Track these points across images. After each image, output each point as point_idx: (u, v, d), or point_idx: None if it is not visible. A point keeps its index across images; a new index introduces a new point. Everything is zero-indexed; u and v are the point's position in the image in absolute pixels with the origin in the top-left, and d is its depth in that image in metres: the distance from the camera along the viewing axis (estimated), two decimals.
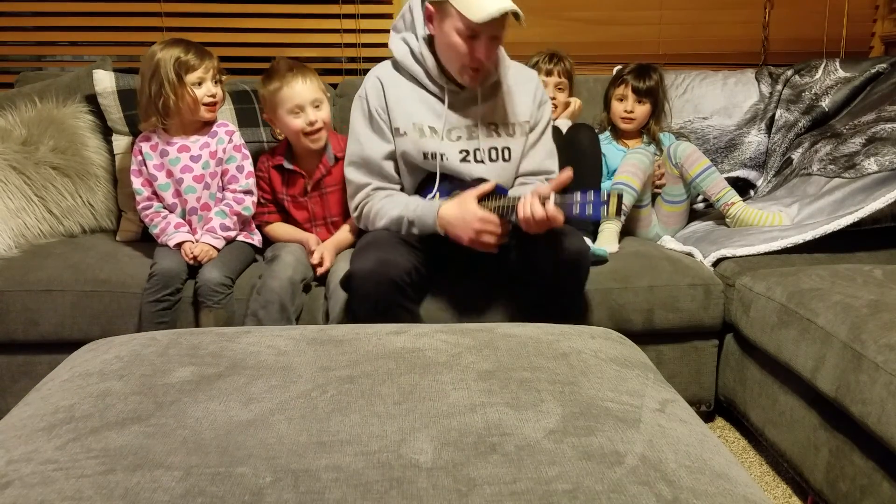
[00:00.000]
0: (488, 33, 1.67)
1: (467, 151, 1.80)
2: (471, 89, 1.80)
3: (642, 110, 2.35)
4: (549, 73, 2.34)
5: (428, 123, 1.79)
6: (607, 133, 2.43)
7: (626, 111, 2.35)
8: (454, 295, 1.82)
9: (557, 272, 1.65)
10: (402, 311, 1.61)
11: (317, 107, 1.93)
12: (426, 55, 1.77)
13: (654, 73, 2.36)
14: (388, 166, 1.81)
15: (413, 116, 1.79)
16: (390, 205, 1.76)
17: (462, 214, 1.63)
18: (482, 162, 1.81)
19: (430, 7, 1.72)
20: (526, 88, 1.87)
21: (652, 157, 2.20)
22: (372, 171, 1.81)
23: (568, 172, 1.59)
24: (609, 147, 2.37)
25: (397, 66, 1.84)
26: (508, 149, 1.83)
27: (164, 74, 1.86)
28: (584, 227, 2.05)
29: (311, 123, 1.92)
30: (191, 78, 1.89)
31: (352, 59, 2.79)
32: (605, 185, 2.24)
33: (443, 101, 1.79)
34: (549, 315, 1.66)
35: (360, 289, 1.57)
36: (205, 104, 1.92)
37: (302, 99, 1.90)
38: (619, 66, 2.46)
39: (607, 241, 2.07)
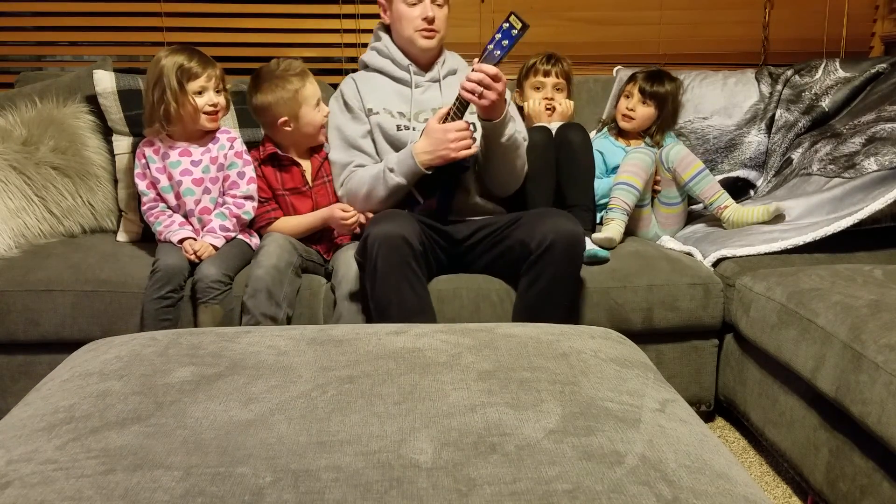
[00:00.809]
0: None
1: None
2: (433, 74, 2.01)
3: (644, 112, 2.34)
4: (546, 74, 2.33)
5: (397, 109, 1.98)
6: (605, 130, 2.42)
7: (627, 108, 2.34)
8: (453, 289, 1.82)
9: (553, 251, 1.67)
10: (411, 272, 1.64)
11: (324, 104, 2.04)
12: (391, 47, 2.02)
13: (670, 82, 2.35)
14: (367, 144, 1.97)
15: (384, 102, 1.99)
16: (367, 169, 1.92)
17: (432, 135, 1.79)
18: None
19: (381, 1, 1.99)
20: None
21: (654, 156, 2.19)
22: (353, 149, 1.97)
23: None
24: (605, 142, 2.36)
25: (367, 68, 2.08)
26: (473, 125, 1.92)
27: (167, 82, 1.86)
28: (585, 225, 2.05)
29: (326, 115, 2.01)
30: (192, 86, 1.89)
31: (352, 59, 2.79)
32: (606, 181, 2.24)
33: (410, 86, 1.99)
34: (550, 309, 1.68)
35: (374, 246, 1.63)
36: (205, 113, 1.92)
37: (319, 93, 2.00)
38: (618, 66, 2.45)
39: (610, 230, 2.03)
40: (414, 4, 1.92)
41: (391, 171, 1.83)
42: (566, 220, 1.71)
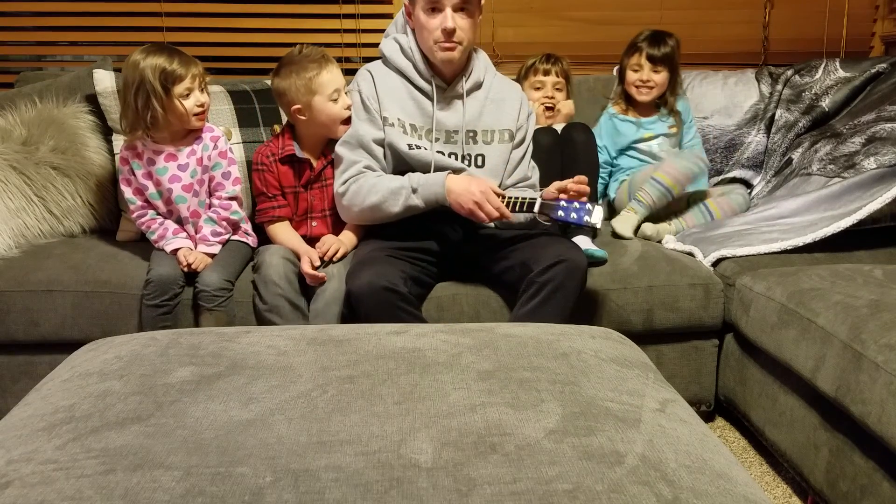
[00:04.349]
0: (448, 3, 1.77)
1: (442, 153, 1.88)
2: (456, 89, 1.88)
3: (660, 79, 2.31)
4: (546, 73, 2.32)
5: (410, 122, 1.87)
6: (611, 110, 2.38)
7: (641, 80, 2.30)
8: (453, 296, 1.82)
9: (555, 269, 1.66)
10: (404, 313, 1.63)
11: (346, 92, 1.93)
12: (414, 49, 1.87)
13: (670, 38, 2.30)
14: (379, 151, 1.87)
15: (399, 111, 1.87)
16: (387, 180, 1.82)
17: (472, 188, 1.71)
18: None
19: (405, 2, 1.86)
20: (512, 97, 1.97)
21: (705, 169, 2.20)
22: (364, 151, 1.86)
23: (581, 178, 1.70)
24: (610, 123, 2.35)
25: (387, 63, 1.92)
26: (483, 156, 1.90)
27: (151, 88, 1.79)
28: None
29: (348, 108, 1.90)
30: (178, 89, 1.82)
31: (352, 59, 2.79)
32: (640, 167, 2.27)
33: (431, 99, 1.87)
34: (545, 320, 1.67)
35: (359, 303, 1.62)
36: (194, 114, 1.87)
37: (339, 83, 1.89)
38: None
39: (622, 226, 2.08)
40: (433, 13, 1.78)
41: (414, 190, 1.76)
42: (571, 248, 1.72)
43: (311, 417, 0.92)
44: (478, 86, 1.92)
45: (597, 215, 1.61)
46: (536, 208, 1.68)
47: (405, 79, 1.89)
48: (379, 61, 1.95)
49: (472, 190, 1.70)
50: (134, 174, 1.92)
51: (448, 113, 1.89)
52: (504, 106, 1.94)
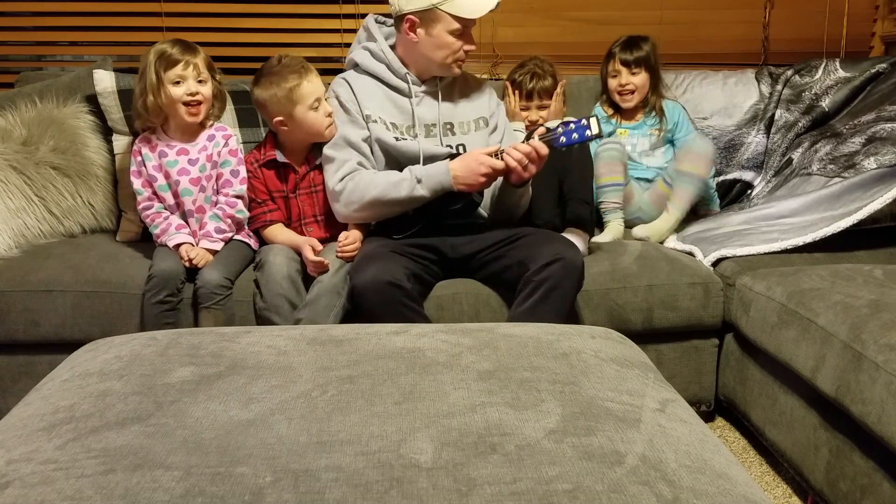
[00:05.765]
0: (471, 25, 1.89)
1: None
2: (431, 86, 1.97)
3: (640, 80, 2.35)
4: (529, 98, 2.28)
5: (391, 120, 1.93)
6: (598, 110, 2.43)
7: (621, 85, 2.35)
8: (452, 296, 1.82)
9: (552, 268, 1.66)
10: (407, 310, 1.63)
11: (326, 98, 1.93)
12: (386, 52, 1.95)
13: (645, 42, 2.36)
14: (367, 149, 1.91)
15: (379, 110, 1.93)
16: (385, 174, 1.85)
17: (467, 162, 1.78)
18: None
19: (412, 18, 1.87)
20: (480, 89, 2.07)
21: (622, 148, 2.20)
22: (353, 150, 1.90)
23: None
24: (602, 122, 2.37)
25: (359, 70, 1.99)
26: (463, 145, 1.96)
27: (149, 72, 1.82)
28: (584, 215, 2.04)
29: (329, 114, 1.91)
30: (169, 76, 1.82)
31: None
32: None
33: (408, 96, 1.94)
34: (544, 319, 1.67)
35: (363, 298, 1.63)
36: (184, 104, 1.85)
37: (319, 92, 1.89)
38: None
39: (613, 231, 2.13)
40: (459, 36, 1.87)
41: (419, 181, 1.79)
42: (568, 247, 1.72)
43: (311, 417, 0.92)
44: (449, 80, 2.00)
45: (595, 126, 1.65)
46: (536, 136, 1.71)
47: (380, 81, 1.96)
48: (351, 70, 2.01)
49: (473, 167, 1.76)
50: (144, 165, 1.94)
51: (425, 108, 1.95)
52: (475, 97, 2.03)
